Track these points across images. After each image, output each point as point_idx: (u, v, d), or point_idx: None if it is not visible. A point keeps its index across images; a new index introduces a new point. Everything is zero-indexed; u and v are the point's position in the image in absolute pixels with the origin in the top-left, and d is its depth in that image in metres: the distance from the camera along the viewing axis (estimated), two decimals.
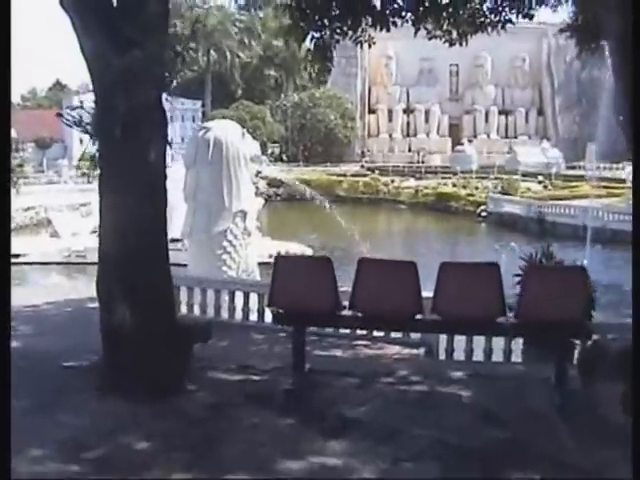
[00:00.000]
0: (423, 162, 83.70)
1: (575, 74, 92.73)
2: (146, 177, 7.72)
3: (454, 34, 14.93)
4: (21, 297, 13.83)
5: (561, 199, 51.10)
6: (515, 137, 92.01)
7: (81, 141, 67.70)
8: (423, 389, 8.21)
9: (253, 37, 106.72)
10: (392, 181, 68.05)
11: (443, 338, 11.39)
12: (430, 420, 7.20)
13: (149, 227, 7.82)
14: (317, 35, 14.14)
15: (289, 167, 74.68)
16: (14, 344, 7.58)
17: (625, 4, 7.10)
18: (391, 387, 8.26)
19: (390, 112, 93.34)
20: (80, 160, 66.21)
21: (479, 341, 11.22)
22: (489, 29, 14.92)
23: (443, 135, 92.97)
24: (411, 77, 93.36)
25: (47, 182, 59.38)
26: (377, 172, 72.74)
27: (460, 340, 11.21)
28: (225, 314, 14.84)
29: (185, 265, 18.69)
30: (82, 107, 8.54)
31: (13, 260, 11.10)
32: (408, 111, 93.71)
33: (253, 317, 14.80)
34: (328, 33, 14.10)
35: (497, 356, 11.81)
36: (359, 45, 14.68)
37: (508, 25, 14.91)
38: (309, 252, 34.91)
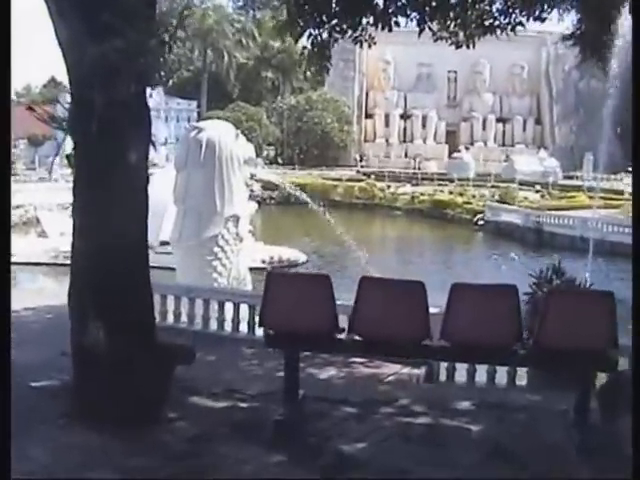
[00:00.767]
0: (419, 168, 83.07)
1: (573, 83, 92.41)
2: (125, 180, 6.93)
3: (461, 36, 14.22)
4: None
5: (559, 209, 50.46)
6: (512, 145, 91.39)
7: None
8: (427, 421, 7.44)
9: (250, 38, 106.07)
10: (388, 187, 67.35)
11: None
12: (437, 459, 6.44)
13: (128, 235, 7.01)
14: (315, 32, 13.44)
15: (284, 170, 73.86)
16: None
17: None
18: (392, 419, 7.49)
19: (387, 117, 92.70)
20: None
21: None
22: (498, 32, 14.25)
23: (440, 142, 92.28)
24: (409, 82, 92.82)
25: (38, 180, 58.60)
26: (373, 177, 72.00)
27: None
28: (214, 325, 14.10)
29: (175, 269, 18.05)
30: (58, 101, 7.73)
31: None
32: (405, 116, 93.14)
33: (244, 328, 14.09)
34: (327, 31, 13.42)
35: (501, 376, 11.13)
36: (359, 45, 13.86)
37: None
38: (303, 258, 34.36)
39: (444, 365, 11.12)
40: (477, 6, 14.00)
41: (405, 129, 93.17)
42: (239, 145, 18.43)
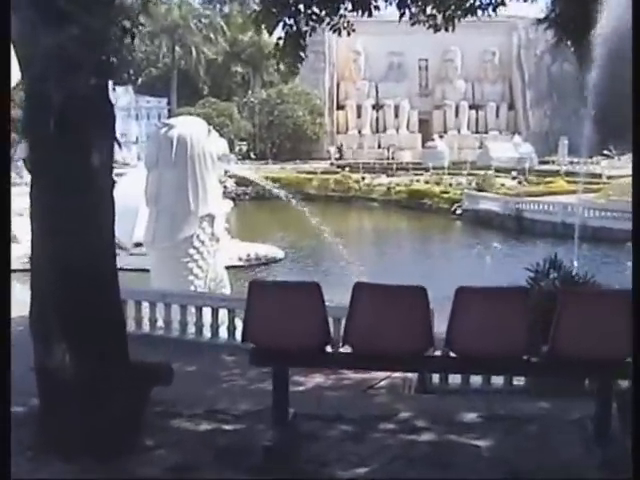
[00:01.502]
0: (393, 158, 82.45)
1: (546, 68, 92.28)
2: (88, 183, 6.20)
3: (439, 19, 13.62)
4: None
5: (537, 195, 50.11)
6: (486, 132, 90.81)
7: None
8: (432, 438, 6.75)
9: (218, 33, 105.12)
10: (363, 178, 66.71)
11: None
12: None
13: (93, 244, 6.29)
14: (290, 22, 12.79)
15: (257, 165, 73.16)
16: None
17: None
18: (394, 437, 6.80)
19: (359, 108, 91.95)
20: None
21: None
22: (479, 12, 13.66)
23: (413, 131, 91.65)
24: (380, 72, 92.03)
25: None
26: (347, 169, 71.33)
27: None
28: (192, 331, 13.43)
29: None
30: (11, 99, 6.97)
31: None
32: (377, 107, 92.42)
33: (223, 333, 13.46)
34: (303, 20, 12.79)
35: (496, 378, 10.52)
36: (337, 32, 13.21)
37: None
38: (280, 254, 33.83)
39: None
40: None
41: (377, 119, 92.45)
42: (211, 141, 17.71)
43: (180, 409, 7.38)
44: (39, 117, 6.01)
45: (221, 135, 21.52)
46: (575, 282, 10.69)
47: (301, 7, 12.66)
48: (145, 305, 13.75)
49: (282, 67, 18.44)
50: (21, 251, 31.55)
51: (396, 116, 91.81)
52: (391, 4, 13.10)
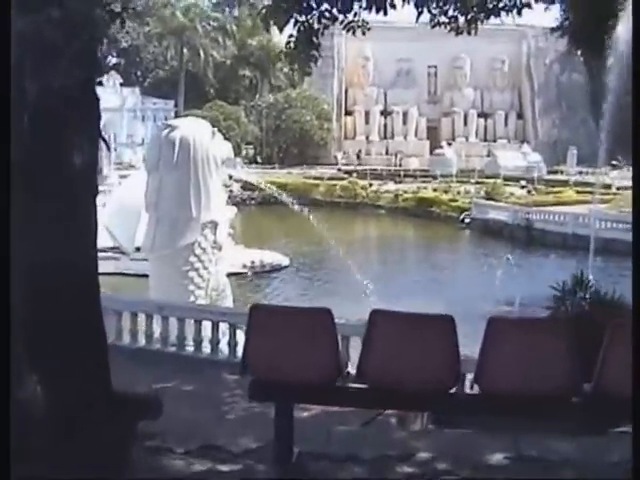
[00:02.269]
0: (400, 165, 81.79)
1: (555, 77, 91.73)
2: (68, 189, 5.39)
3: (461, 21, 12.89)
4: None
5: (546, 205, 49.31)
6: (494, 140, 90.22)
7: None
8: None
9: (227, 36, 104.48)
10: (370, 185, 65.85)
11: None
12: None
13: (71, 260, 5.45)
14: (302, 19, 12.04)
15: (264, 169, 72.37)
16: None
17: None
18: None
19: (367, 114, 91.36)
20: None
21: None
22: (502, 14, 12.92)
23: (421, 138, 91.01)
24: (389, 78, 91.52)
25: None
26: (355, 175, 70.51)
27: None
28: (190, 347, 12.63)
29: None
30: None
31: None
32: (385, 113, 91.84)
33: (224, 347, 12.68)
34: (315, 17, 12.06)
35: None
36: (352, 31, 12.42)
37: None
38: (285, 261, 33.09)
39: None
40: None
41: (385, 126, 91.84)
42: (216, 144, 16.91)
43: (172, 443, 6.57)
44: (12, 111, 5.21)
45: (228, 139, 20.83)
46: (606, 302, 9.85)
47: (313, 4, 11.94)
48: (141, 317, 12.95)
49: (294, 68, 17.64)
50: None
51: (404, 123, 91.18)
52: (409, 2, 12.32)
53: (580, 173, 69.93)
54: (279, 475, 5.72)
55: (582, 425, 6.34)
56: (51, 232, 5.35)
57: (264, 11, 12.49)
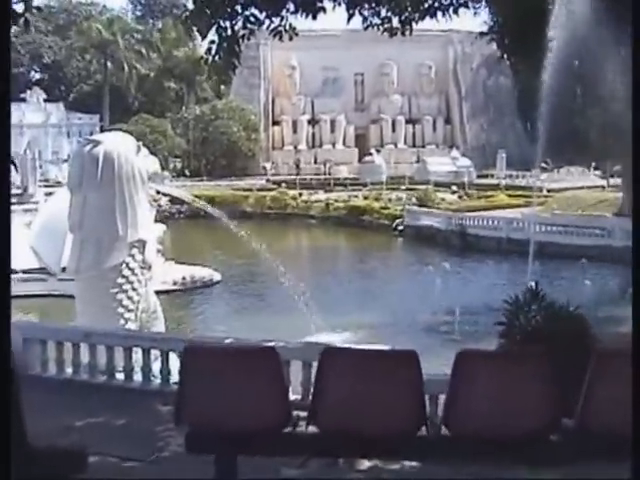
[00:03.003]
0: (330, 174, 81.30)
1: (482, 81, 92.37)
2: None
3: (395, 22, 12.40)
4: None
5: (479, 209, 49.22)
6: (423, 146, 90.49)
7: None
8: None
9: (152, 48, 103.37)
10: (300, 194, 65.33)
11: None
12: None
13: None
14: (225, 24, 11.42)
15: (192, 182, 71.47)
16: None
17: None
18: None
19: (295, 123, 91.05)
20: None
21: None
22: (438, 14, 12.46)
23: (349, 146, 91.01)
24: (315, 87, 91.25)
25: None
26: (284, 185, 69.92)
27: None
28: (120, 375, 11.85)
29: None
30: None
31: None
32: (313, 122, 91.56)
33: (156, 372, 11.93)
34: (240, 21, 11.46)
35: None
36: (278, 36, 11.78)
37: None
38: (217, 276, 32.37)
39: None
40: None
41: (314, 135, 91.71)
42: (141, 159, 16.14)
43: None
44: None
45: (154, 152, 20.07)
46: (560, 315, 9.30)
47: (238, 8, 11.33)
48: (67, 346, 12.14)
49: (212, 76, 16.91)
50: None
51: (332, 131, 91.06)
52: (340, 4, 11.77)
53: (510, 176, 70.28)
54: None
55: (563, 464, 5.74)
56: None
57: (186, 15, 11.84)
